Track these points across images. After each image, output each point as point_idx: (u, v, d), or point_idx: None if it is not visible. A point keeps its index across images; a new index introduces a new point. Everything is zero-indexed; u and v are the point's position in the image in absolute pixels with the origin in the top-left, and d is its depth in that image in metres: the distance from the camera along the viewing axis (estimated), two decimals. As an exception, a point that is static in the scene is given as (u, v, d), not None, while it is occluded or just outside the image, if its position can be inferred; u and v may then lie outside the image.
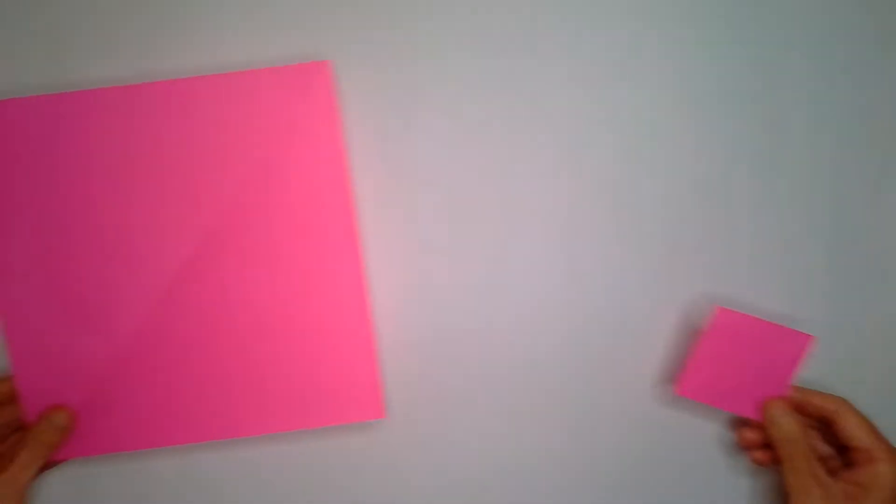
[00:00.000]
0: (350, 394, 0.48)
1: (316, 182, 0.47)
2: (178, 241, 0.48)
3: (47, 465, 0.47)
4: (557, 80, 0.49)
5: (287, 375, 0.48)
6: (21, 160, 0.47)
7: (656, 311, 0.50)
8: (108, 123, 0.47)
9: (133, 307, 0.48)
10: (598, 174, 0.50)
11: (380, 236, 0.49)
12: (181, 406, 0.48)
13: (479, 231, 0.50)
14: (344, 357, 0.48)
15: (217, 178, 0.47)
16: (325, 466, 0.50)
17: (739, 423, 0.50)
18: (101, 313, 0.48)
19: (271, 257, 0.48)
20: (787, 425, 0.47)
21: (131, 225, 0.47)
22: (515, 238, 0.50)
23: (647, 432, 0.51)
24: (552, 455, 0.51)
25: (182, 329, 0.48)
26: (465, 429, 0.50)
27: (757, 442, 0.49)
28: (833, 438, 0.48)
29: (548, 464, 0.51)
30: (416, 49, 0.48)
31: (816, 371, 0.50)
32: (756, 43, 0.49)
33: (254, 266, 0.48)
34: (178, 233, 0.48)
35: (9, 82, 0.48)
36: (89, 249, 0.47)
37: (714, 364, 0.48)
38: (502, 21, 0.48)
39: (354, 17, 0.48)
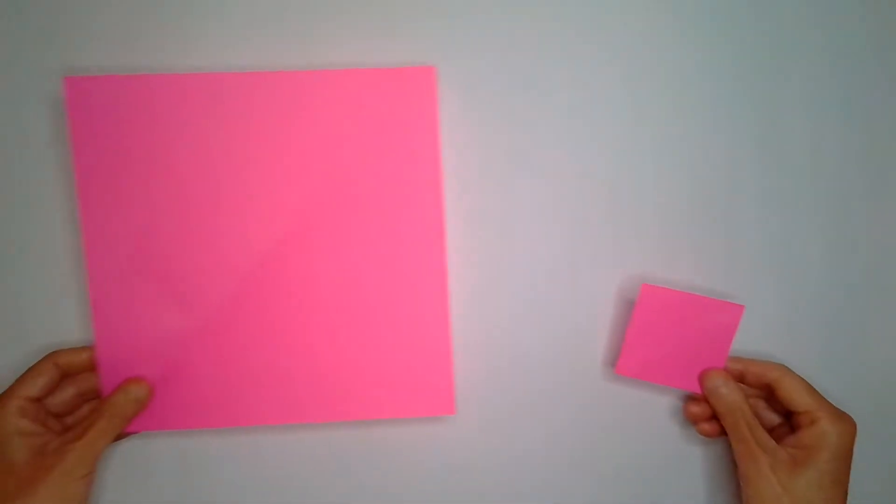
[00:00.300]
0: (424, 388, 0.50)
1: (409, 181, 0.48)
2: (268, 227, 0.49)
3: (118, 437, 0.49)
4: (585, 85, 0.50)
5: (365, 366, 0.50)
6: (125, 136, 0.47)
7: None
8: (215, 107, 0.48)
9: (217, 288, 0.49)
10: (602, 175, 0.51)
11: (461, 239, 0.51)
12: (254, 388, 0.49)
13: (556, 236, 0.51)
14: (421, 352, 0.50)
15: (314, 167, 0.48)
16: (363, 453, 0.52)
17: (687, 398, 0.51)
18: (185, 291, 0.49)
19: (358, 249, 0.49)
20: (727, 395, 0.48)
21: (224, 207, 0.48)
22: (600, 243, 0.51)
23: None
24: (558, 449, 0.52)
25: (262, 313, 0.49)
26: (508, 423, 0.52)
27: (703, 415, 0.50)
28: (779, 406, 0.49)
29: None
30: (511, 62, 0.50)
31: (812, 369, 0.50)
32: (757, 44, 0.50)
33: (340, 257, 0.49)
34: (269, 218, 0.49)
35: (125, 63, 0.49)
36: (180, 227, 0.48)
37: (649, 342, 0.49)
38: (583, 30, 0.50)
39: (455, 28, 0.49)
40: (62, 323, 0.50)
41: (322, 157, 0.48)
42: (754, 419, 0.47)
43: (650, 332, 0.49)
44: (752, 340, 0.51)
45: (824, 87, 0.51)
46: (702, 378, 0.49)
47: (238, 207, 0.48)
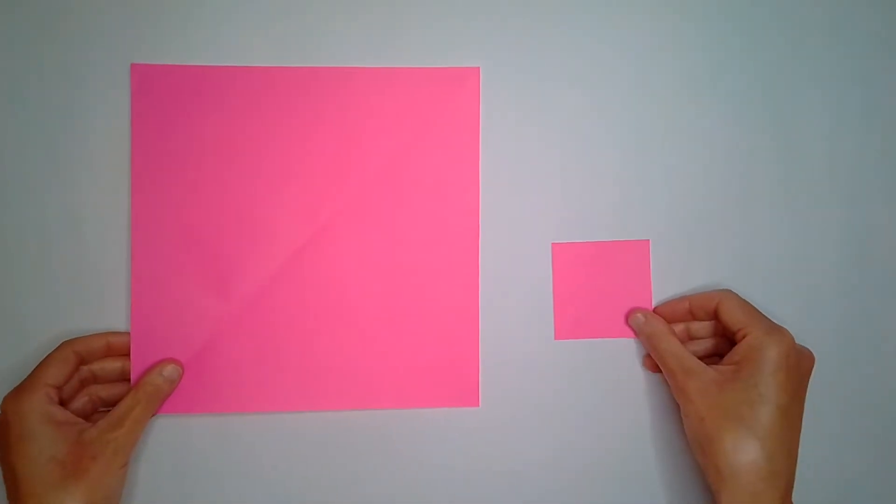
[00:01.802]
0: (452, 381, 0.50)
1: (448, 178, 0.50)
2: (308, 218, 0.50)
3: None
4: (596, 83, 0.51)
5: (394, 357, 0.50)
6: (182, 123, 0.49)
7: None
8: (267, 100, 0.50)
9: (254, 275, 0.50)
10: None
11: (492, 239, 0.51)
12: (284, 375, 0.50)
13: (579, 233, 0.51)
14: (450, 347, 0.50)
15: (356, 161, 0.50)
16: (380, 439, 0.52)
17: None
18: (222, 278, 0.49)
19: (394, 243, 0.50)
20: (646, 326, 0.47)
21: (267, 196, 0.50)
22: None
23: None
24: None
25: (297, 302, 0.50)
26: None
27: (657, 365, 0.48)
28: (728, 332, 0.47)
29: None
30: (549, 64, 0.51)
31: (830, 371, 0.50)
32: (775, 43, 0.51)
33: (375, 250, 0.50)
34: (309, 209, 0.50)
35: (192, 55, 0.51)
36: (224, 214, 0.49)
37: (576, 300, 0.49)
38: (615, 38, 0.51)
39: (498, 32, 0.51)
40: (97, 308, 0.50)
41: (364, 152, 0.50)
42: (680, 347, 0.46)
43: (574, 289, 0.49)
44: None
45: (843, 84, 0.51)
46: (628, 323, 0.49)
47: (281, 198, 0.50)
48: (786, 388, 0.42)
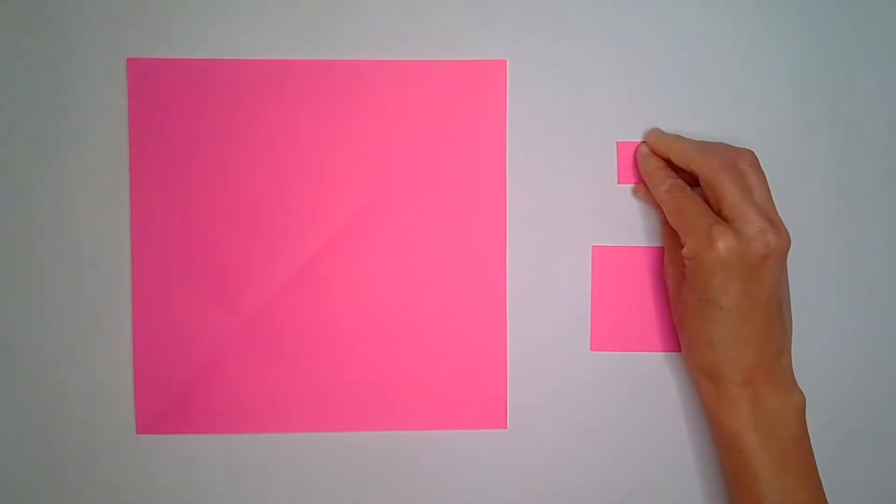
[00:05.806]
0: (476, 400, 0.48)
1: (472, 178, 0.48)
2: (322, 222, 0.48)
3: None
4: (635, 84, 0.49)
5: (413, 374, 0.48)
6: (183, 121, 0.47)
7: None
8: (276, 95, 0.47)
9: (263, 286, 0.48)
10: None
11: (523, 242, 0.49)
12: (294, 393, 0.48)
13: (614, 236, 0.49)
14: (475, 361, 0.48)
15: (376, 160, 0.48)
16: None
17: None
18: (228, 288, 0.47)
19: (416, 251, 0.48)
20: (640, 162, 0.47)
21: (279, 199, 0.48)
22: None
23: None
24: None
25: (310, 315, 0.48)
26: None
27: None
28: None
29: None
30: (582, 55, 0.49)
31: (882, 385, 0.49)
32: (831, 41, 0.50)
33: (394, 258, 0.48)
34: (324, 213, 0.48)
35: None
36: (230, 218, 0.47)
37: (616, 308, 0.48)
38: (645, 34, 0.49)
39: (527, 22, 0.49)
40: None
41: (382, 151, 0.48)
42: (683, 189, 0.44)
43: (614, 297, 0.48)
44: (816, 353, 0.49)
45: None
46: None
47: (291, 201, 0.48)
48: (726, 289, 0.42)
